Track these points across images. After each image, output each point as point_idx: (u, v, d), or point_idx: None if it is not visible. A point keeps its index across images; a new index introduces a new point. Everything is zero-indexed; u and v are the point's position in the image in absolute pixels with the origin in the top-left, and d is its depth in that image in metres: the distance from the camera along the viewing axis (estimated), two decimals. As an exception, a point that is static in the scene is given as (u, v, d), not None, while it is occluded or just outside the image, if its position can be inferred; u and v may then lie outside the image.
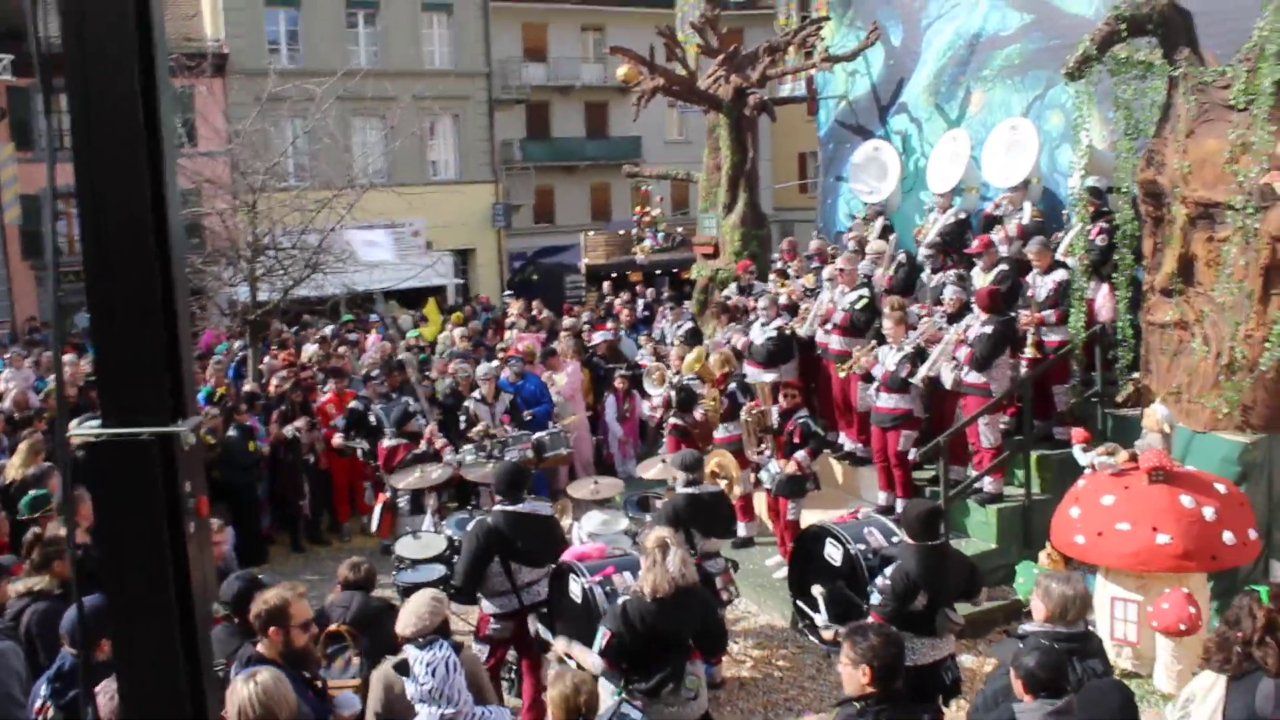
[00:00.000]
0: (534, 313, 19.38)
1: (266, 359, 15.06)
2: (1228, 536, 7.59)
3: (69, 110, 2.21)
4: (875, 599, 6.48)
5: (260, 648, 5.16)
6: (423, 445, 11.22)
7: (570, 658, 6.31)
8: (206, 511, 2.19)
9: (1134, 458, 8.21)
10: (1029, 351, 10.11)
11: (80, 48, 2.17)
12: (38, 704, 5.01)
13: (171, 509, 2.10)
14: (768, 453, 10.13)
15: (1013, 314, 10.17)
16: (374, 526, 11.47)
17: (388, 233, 15.39)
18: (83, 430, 2.07)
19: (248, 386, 13.32)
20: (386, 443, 11.56)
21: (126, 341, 2.12)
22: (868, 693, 4.43)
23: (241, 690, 4.16)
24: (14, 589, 6.32)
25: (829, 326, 11.24)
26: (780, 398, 10.23)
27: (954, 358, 9.73)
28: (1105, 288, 10.16)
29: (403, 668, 5.04)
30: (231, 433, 11.44)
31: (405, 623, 5.29)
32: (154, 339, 2.11)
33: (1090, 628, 5.59)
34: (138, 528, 2.09)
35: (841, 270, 11.29)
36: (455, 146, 34.16)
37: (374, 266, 15.83)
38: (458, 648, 5.22)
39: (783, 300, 12.33)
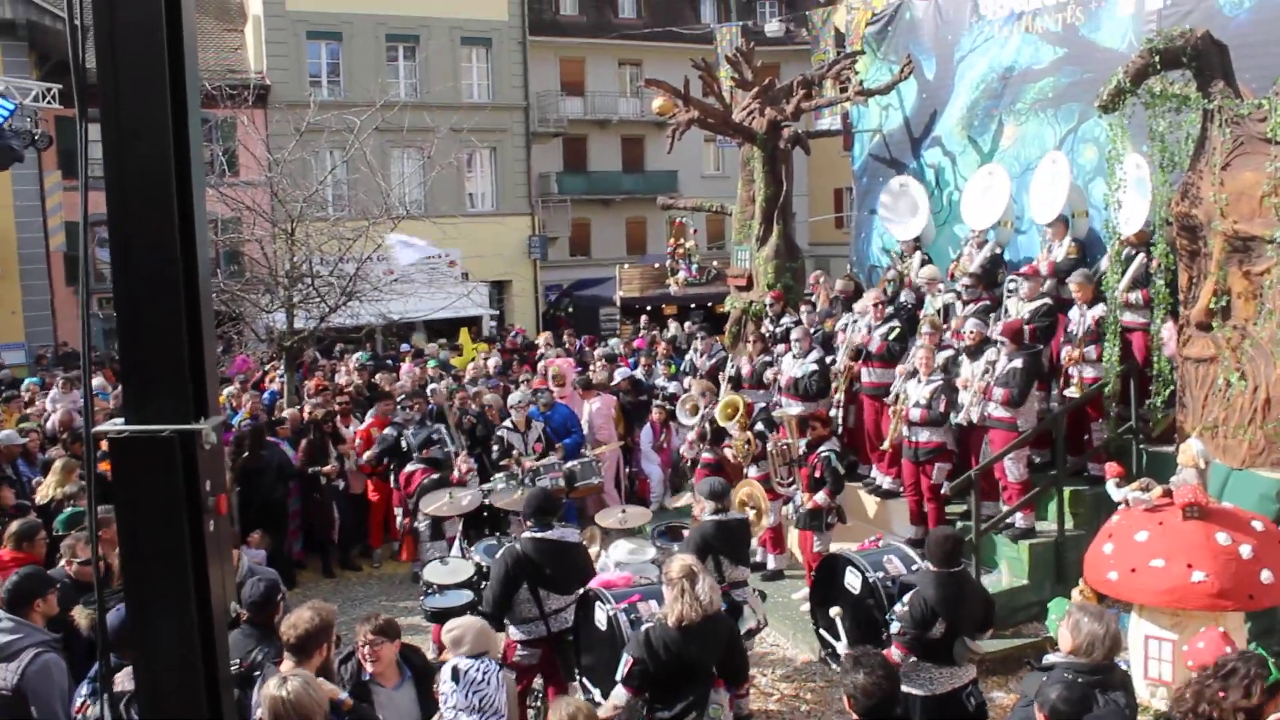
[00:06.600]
0: (565, 344, 19.46)
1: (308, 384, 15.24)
2: (1265, 575, 7.42)
3: (102, 138, 2.28)
4: (894, 625, 6.45)
5: (284, 668, 5.20)
6: (455, 473, 11.26)
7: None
8: (226, 510, 2.22)
9: (1168, 494, 8.08)
10: (1073, 389, 10.03)
11: (114, 79, 2.25)
12: (78, 703, 5.13)
13: (191, 506, 2.13)
14: (794, 485, 10.08)
15: (1039, 347, 10.10)
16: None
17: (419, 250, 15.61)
18: (107, 427, 2.11)
19: (285, 412, 13.44)
20: (409, 468, 11.62)
21: (150, 341, 2.15)
22: None
23: (275, 692, 4.25)
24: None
25: (863, 359, 11.22)
26: (807, 430, 10.19)
27: (982, 394, 9.68)
28: (1170, 322, 9.92)
29: (454, 674, 5.17)
30: (261, 453, 11.58)
31: (461, 638, 5.40)
32: (176, 339, 2.15)
33: (1124, 664, 5.44)
34: (158, 523, 2.12)
35: (874, 305, 11.31)
36: (492, 178, 34.49)
37: (405, 281, 15.94)
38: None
39: (815, 333, 12.32)
